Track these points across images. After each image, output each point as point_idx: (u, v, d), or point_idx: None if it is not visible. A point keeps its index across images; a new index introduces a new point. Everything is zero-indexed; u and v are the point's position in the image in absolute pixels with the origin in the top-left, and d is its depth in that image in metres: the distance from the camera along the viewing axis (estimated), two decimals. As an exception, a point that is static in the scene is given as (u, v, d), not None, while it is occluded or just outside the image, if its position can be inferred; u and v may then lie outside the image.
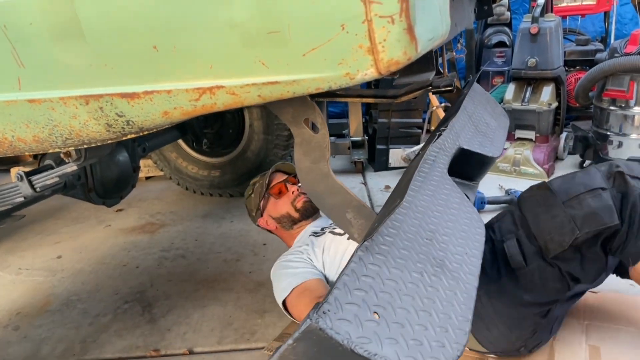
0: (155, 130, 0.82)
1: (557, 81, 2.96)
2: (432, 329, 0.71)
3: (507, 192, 2.63)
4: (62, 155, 1.22)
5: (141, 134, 0.83)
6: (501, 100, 3.15)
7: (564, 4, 3.52)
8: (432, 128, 3.36)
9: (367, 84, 3.06)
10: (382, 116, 3.27)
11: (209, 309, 1.88)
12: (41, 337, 1.80)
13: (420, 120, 3.34)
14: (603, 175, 1.25)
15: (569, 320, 1.52)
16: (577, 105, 3.18)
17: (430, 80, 1.21)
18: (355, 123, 3.31)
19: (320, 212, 1.80)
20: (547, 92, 2.94)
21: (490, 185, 2.78)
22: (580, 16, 3.70)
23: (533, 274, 1.29)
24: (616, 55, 2.78)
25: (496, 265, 1.34)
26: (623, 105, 2.79)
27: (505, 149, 3.03)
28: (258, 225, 1.90)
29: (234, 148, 2.88)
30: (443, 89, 1.25)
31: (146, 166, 3.35)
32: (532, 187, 1.35)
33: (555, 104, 2.97)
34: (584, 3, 3.50)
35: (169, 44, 0.71)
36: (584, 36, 3.62)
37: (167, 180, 3.26)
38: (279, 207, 1.78)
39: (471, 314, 0.77)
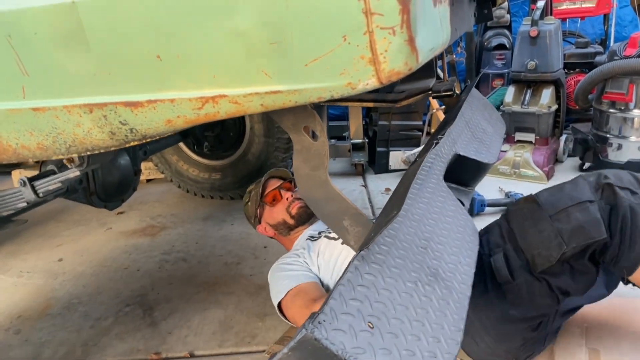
0: (158, 137, 0.83)
1: (557, 84, 2.96)
2: (424, 339, 0.72)
3: (507, 195, 2.63)
4: (64, 161, 1.23)
5: (144, 141, 0.84)
6: (501, 103, 3.15)
7: (564, 7, 3.52)
8: (432, 130, 3.36)
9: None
10: (383, 119, 3.27)
11: (209, 312, 1.88)
12: (42, 341, 1.80)
13: (421, 122, 3.34)
14: (591, 187, 1.22)
15: (568, 323, 1.52)
16: (577, 107, 3.19)
17: (430, 86, 1.22)
18: (355, 125, 3.32)
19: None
20: (546, 95, 2.95)
21: (490, 187, 2.78)
22: (579, 19, 3.71)
23: (520, 289, 1.26)
24: (616, 57, 2.79)
25: (483, 279, 1.31)
26: (622, 107, 2.80)
27: (505, 151, 3.03)
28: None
29: (235, 151, 2.89)
30: (443, 94, 1.26)
31: (147, 169, 3.36)
32: (519, 200, 1.33)
33: (554, 107, 2.98)
34: (583, 6, 3.50)
35: (173, 54, 0.72)
36: (584, 39, 3.63)
37: (168, 182, 3.27)
38: (275, 214, 1.79)
39: (463, 323, 0.77)
